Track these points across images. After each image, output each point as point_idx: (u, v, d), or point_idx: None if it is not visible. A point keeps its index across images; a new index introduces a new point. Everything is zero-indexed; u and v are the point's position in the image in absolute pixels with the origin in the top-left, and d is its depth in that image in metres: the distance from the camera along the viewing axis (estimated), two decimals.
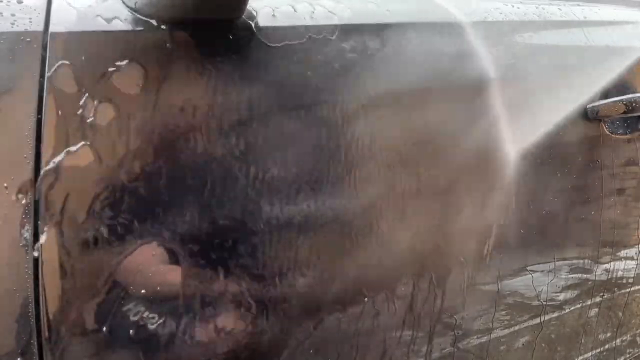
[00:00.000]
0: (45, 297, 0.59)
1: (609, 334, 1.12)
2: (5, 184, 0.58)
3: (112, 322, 0.62)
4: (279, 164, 0.71)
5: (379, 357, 0.80)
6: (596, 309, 1.07)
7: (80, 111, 0.62)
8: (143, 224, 0.63)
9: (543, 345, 1.00)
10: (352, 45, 0.77)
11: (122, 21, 0.67)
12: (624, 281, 1.11)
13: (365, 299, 0.77)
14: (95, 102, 0.62)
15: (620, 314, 1.13)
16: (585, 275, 1.03)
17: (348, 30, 0.78)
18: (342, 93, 0.76)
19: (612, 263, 1.08)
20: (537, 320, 0.98)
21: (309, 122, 0.73)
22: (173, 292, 0.64)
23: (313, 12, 0.78)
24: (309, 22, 0.76)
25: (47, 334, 0.59)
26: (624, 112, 1.02)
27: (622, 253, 1.09)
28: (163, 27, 0.67)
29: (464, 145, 0.84)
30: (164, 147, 0.65)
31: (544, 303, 0.98)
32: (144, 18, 0.67)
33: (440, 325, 0.84)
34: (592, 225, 1.02)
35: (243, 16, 0.71)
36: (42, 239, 0.58)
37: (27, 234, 0.58)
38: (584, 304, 1.05)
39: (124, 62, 0.64)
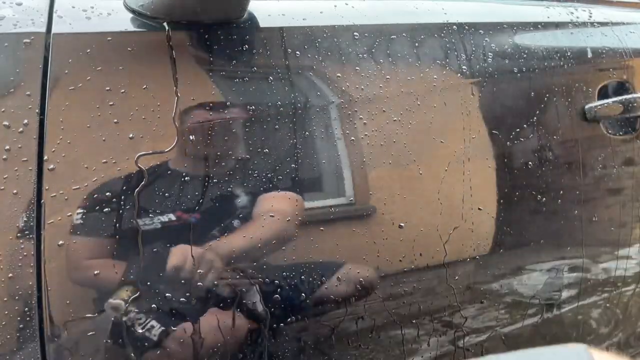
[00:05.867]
0: None
1: (607, 333, 1.13)
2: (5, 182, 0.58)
3: None
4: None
5: None
6: (595, 308, 1.08)
7: (82, 110, 0.62)
8: None
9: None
10: None
11: (125, 23, 0.67)
12: (624, 280, 1.11)
13: None
14: (99, 102, 0.63)
15: (619, 312, 1.13)
16: (584, 274, 1.04)
17: None
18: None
19: (611, 262, 1.08)
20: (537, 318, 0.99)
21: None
22: None
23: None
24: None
25: None
26: (622, 113, 1.03)
27: (622, 252, 1.09)
28: (165, 28, 0.67)
29: None
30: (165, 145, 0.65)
31: (542, 302, 0.99)
32: (146, 20, 0.67)
33: None
34: (592, 223, 1.02)
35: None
36: None
37: None
38: (583, 303, 1.05)
39: (127, 63, 0.65)
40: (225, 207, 0.68)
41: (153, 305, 0.63)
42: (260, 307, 0.69)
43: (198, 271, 0.65)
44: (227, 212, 0.68)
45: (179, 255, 0.64)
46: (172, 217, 0.65)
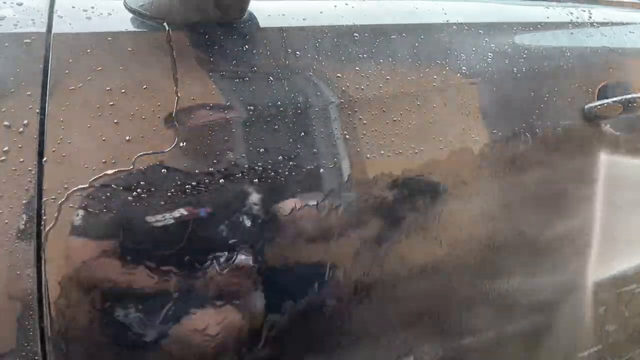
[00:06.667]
0: None
1: (607, 333, 1.13)
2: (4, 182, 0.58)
3: None
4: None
5: None
6: (595, 308, 1.08)
7: (82, 110, 0.62)
8: None
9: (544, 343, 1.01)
10: None
11: (125, 23, 0.67)
12: (624, 280, 1.11)
13: None
14: (99, 102, 0.63)
15: (618, 313, 1.13)
16: (585, 275, 1.04)
17: None
18: None
19: (611, 262, 1.08)
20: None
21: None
22: None
23: None
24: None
25: None
26: (622, 113, 1.03)
27: (621, 252, 1.10)
28: (166, 28, 0.67)
29: None
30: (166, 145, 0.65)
31: (543, 302, 0.99)
32: (146, 20, 0.67)
33: None
34: (591, 223, 1.02)
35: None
36: None
37: None
38: (583, 303, 1.05)
39: (127, 63, 0.65)
40: (226, 206, 0.68)
41: None
42: None
43: None
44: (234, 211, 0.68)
45: None
46: (172, 217, 0.65)
